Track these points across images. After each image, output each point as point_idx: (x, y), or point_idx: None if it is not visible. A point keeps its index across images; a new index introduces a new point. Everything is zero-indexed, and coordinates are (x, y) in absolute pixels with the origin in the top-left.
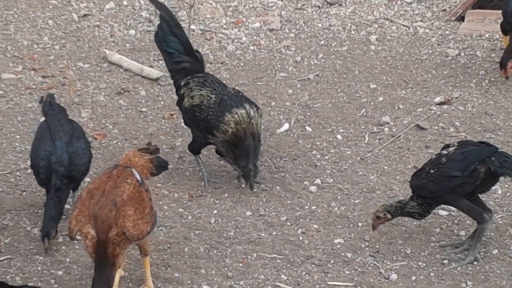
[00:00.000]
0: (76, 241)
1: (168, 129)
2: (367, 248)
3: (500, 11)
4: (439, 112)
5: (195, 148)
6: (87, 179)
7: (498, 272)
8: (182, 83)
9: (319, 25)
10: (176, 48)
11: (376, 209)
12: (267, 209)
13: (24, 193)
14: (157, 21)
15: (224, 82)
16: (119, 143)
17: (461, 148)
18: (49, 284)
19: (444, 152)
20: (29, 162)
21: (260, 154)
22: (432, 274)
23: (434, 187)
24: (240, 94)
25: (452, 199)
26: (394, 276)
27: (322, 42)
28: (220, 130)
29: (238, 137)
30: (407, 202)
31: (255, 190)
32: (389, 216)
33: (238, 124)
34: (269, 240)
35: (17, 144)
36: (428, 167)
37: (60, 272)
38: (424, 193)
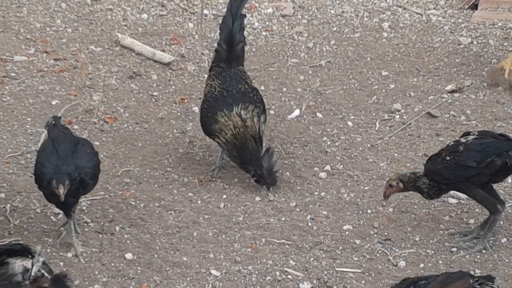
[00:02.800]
0: (85, 224)
1: (179, 114)
2: (375, 235)
3: None
4: (450, 100)
5: None
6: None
7: (507, 260)
8: (210, 66)
9: (332, 11)
10: (221, 28)
11: (389, 177)
12: (276, 195)
13: None
14: (169, 6)
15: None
16: (130, 127)
17: (480, 138)
18: (58, 266)
19: (463, 140)
20: (39, 144)
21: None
22: (440, 261)
23: (448, 174)
24: (248, 94)
25: (466, 188)
26: (402, 263)
27: (335, 29)
28: (216, 131)
29: (240, 141)
30: (421, 176)
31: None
32: (401, 185)
33: (236, 128)
34: (278, 225)
35: (28, 126)
36: (445, 153)
37: (69, 255)
38: (437, 178)
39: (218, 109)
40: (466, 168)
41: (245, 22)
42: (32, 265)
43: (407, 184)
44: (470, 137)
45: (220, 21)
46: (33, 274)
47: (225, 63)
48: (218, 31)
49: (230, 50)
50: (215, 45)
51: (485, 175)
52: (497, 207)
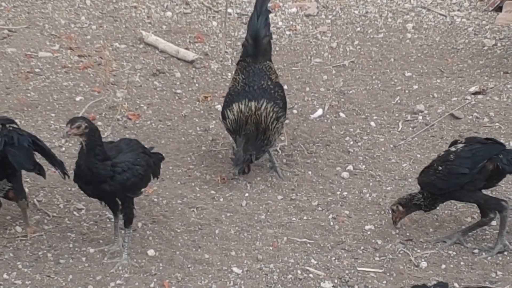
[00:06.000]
0: (108, 220)
1: (202, 111)
2: (397, 236)
3: None
4: (473, 102)
5: None
6: None
7: None
8: (238, 61)
9: (356, 11)
10: (249, 25)
11: (391, 204)
12: (298, 194)
13: (58, 170)
14: (193, 4)
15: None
16: (153, 124)
17: (469, 145)
18: (80, 262)
19: (452, 149)
20: (63, 140)
21: (263, 150)
22: (462, 263)
23: (442, 184)
24: (269, 90)
25: (464, 195)
26: (424, 264)
27: (358, 29)
28: (225, 116)
29: (239, 124)
30: (415, 194)
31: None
32: (401, 208)
33: (241, 113)
34: (300, 224)
35: (52, 122)
36: (436, 164)
37: (91, 250)
38: (432, 190)
39: (237, 101)
40: (459, 175)
41: (270, 19)
42: None
43: (406, 205)
44: (459, 145)
45: (245, 20)
46: None
47: (251, 58)
48: (246, 27)
49: (255, 45)
50: (244, 40)
51: (479, 181)
52: (501, 204)
